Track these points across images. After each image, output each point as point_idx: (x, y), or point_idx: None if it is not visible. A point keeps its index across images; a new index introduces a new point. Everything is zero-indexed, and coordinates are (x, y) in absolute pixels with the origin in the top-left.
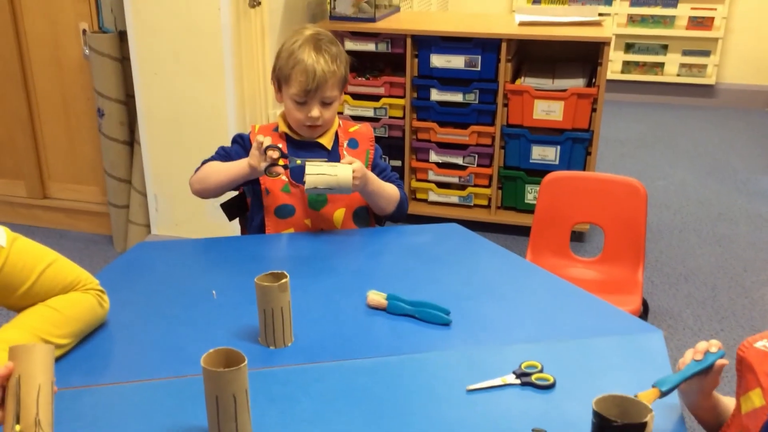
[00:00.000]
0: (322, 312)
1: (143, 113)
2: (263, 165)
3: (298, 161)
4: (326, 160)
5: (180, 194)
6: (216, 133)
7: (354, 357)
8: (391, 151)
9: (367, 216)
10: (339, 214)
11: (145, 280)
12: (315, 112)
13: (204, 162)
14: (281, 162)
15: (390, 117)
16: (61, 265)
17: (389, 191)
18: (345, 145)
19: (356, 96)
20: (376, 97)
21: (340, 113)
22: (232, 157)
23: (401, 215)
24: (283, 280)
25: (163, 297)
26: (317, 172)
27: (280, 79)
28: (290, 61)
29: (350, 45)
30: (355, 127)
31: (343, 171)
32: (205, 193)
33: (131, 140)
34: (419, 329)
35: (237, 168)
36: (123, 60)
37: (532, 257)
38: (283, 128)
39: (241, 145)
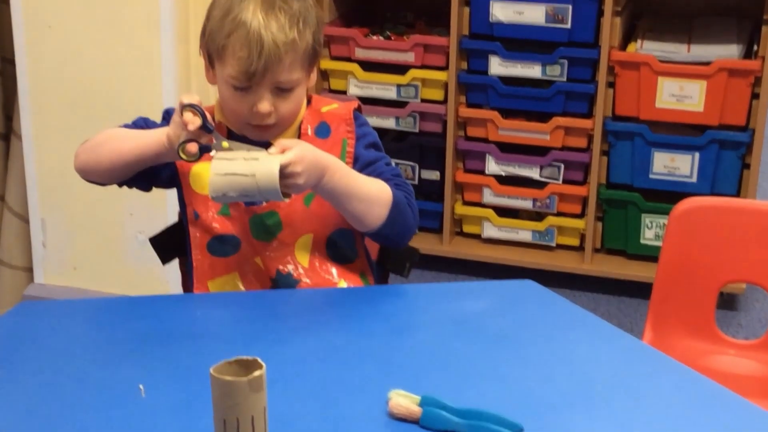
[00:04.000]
0: (316, 425)
1: (28, 89)
2: (183, 136)
3: (225, 143)
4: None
5: (82, 219)
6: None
7: None
8: (423, 156)
9: (354, 246)
10: (303, 245)
11: (29, 365)
12: (264, 104)
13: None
14: (205, 142)
15: (423, 100)
16: None
17: (367, 189)
18: (311, 133)
19: (369, 66)
20: (401, 68)
21: (334, 93)
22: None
23: (402, 235)
24: (257, 373)
25: (59, 394)
26: (225, 170)
27: (210, 51)
28: (225, 25)
29: None
30: (332, 106)
31: (264, 167)
32: (91, 167)
33: (6, 132)
34: None
35: (149, 138)
36: None
37: (654, 336)
38: (221, 117)
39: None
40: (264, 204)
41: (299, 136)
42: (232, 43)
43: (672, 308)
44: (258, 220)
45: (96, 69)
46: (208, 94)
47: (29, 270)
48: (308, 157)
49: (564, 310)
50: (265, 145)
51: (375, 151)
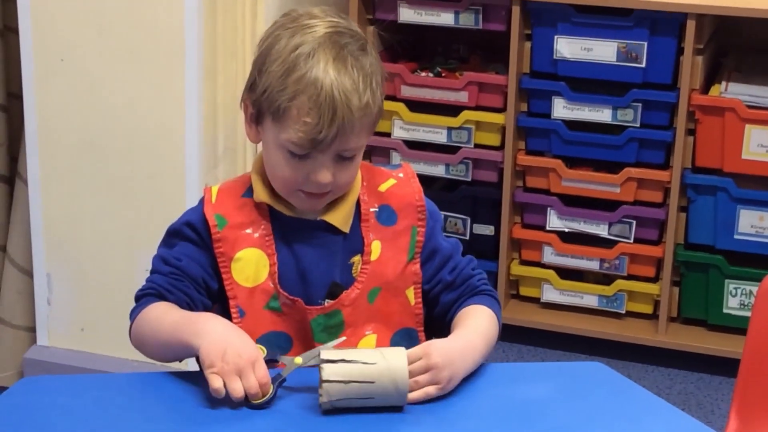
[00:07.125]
0: None
1: (36, 128)
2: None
3: (297, 360)
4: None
5: (92, 274)
6: (164, 172)
7: None
8: (476, 208)
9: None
10: (368, 345)
11: None
12: (325, 174)
13: (141, 293)
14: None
15: (477, 146)
16: None
17: (490, 335)
18: (373, 219)
19: (416, 105)
20: (452, 109)
21: (376, 135)
22: (183, 271)
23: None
24: None
25: None
26: (341, 375)
27: (263, 109)
28: (289, 84)
29: (408, 15)
30: (390, 182)
31: (390, 363)
32: (150, 357)
33: (10, 175)
34: None
35: (179, 340)
36: (5, 32)
37: (740, 425)
38: (262, 196)
39: (192, 241)
40: (326, 304)
41: (358, 224)
42: (299, 105)
43: (762, 394)
44: (321, 321)
45: (112, 107)
46: (234, 144)
47: (32, 330)
48: (438, 352)
49: (637, 399)
50: (319, 224)
51: (448, 243)
